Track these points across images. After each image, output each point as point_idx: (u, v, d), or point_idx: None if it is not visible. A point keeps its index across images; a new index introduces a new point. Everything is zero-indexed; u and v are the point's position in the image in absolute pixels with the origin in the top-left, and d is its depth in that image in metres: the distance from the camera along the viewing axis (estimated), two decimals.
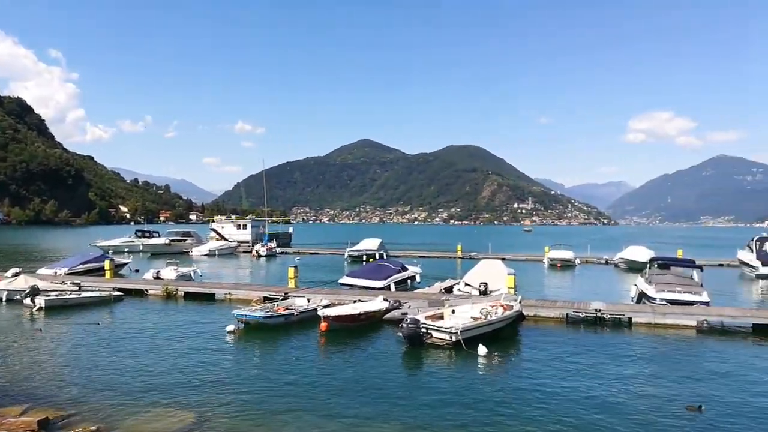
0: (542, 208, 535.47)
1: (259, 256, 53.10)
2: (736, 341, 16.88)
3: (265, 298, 22.33)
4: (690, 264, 26.96)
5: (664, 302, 21.03)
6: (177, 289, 25.29)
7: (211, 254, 55.18)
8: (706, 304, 20.79)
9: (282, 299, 21.07)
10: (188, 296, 24.87)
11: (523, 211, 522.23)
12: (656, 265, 26.15)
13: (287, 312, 18.73)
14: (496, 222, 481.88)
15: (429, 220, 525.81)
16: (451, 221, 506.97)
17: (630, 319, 18.86)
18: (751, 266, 37.60)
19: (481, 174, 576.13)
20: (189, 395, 11.25)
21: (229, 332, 17.13)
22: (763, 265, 36.04)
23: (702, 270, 25.79)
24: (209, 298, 24.60)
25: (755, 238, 39.67)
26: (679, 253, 45.53)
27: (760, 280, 34.92)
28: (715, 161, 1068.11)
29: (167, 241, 58.65)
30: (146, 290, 25.80)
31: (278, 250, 58.06)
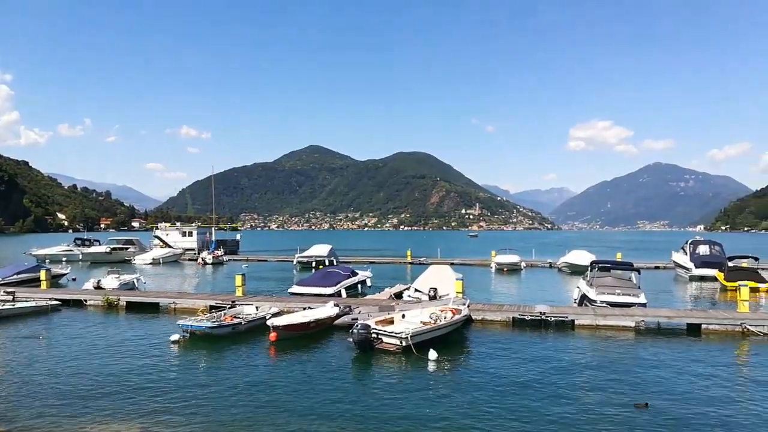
0: (489, 214, 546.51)
1: (205, 263, 51.87)
2: (671, 340, 17.71)
3: (212, 307, 21.81)
4: (628, 267, 28.14)
5: (604, 304, 21.84)
6: (119, 299, 24.35)
7: (155, 262, 53.52)
8: (644, 305, 21.73)
9: (229, 308, 20.64)
10: (131, 306, 23.98)
11: (471, 216, 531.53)
12: (597, 269, 27.12)
13: (235, 321, 18.36)
14: (444, 227, 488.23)
15: (379, 226, 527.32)
16: (401, 227, 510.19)
17: (573, 321, 19.49)
18: (685, 268, 39.55)
19: (429, 180, 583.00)
20: (132, 409, 10.87)
21: (174, 342, 16.65)
22: (696, 267, 37.97)
23: (639, 272, 27.05)
24: (153, 308, 23.82)
25: (688, 242, 41.84)
26: (619, 257, 47.49)
27: (694, 282, 36.78)
28: (650, 168, 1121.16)
29: (108, 250, 56.43)
30: (86, 300, 24.73)
31: (225, 257, 56.86)
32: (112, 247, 57.83)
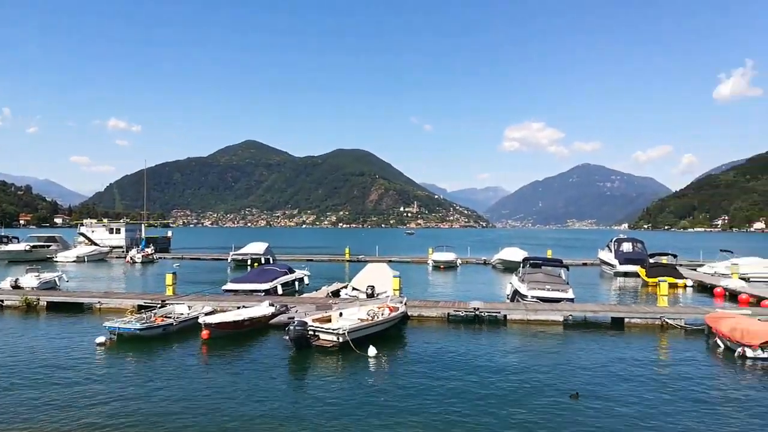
0: (427, 212, 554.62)
1: (134, 262, 49.79)
2: (597, 333, 18.53)
3: (141, 307, 20.95)
4: (558, 264, 29.28)
5: (535, 299, 22.66)
6: (38, 299, 22.93)
7: (79, 260, 50.91)
8: (571, 300, 22.71)
9: (160, 308, 19.87)
10: (52, 307, 22.62)
11: (409, 214, 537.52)
12: (528, 265, 28.05)
13: (166, 322, 17.69)
14: (383, 225, 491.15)
15: (317, 223, 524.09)
16: (340, 224, 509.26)
17: (505, 316, 20.06)
18: (610, 265, 41.56)
19: (368, 178, 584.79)
20: (54, 416, 10.22)
21: (99, 345, 15.84)
22: (620, 263, 39.97)
23: (568, 269, 28.29)
24: (76, 309, 22.58)
25: (613, 240, 44.04)
26: (549, 254, 49.24)
27: (618, 278, 38.69)
28: (579, 169, 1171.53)
29: (27, 247, 53.06)
30: (1, 301, 23.12)
31: (156, 255, 54.81)
32: (32, 244, 54.43)
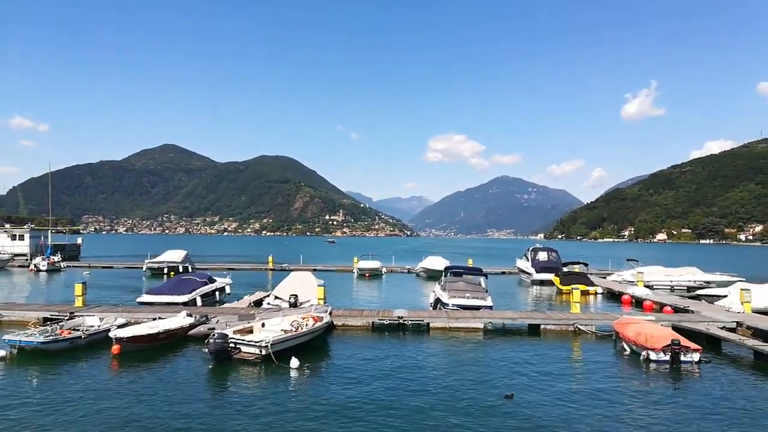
0: (352, 220, 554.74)
1: (39, 270, 46.37)
2: (515, 340, 19.21)
3: (46, 320, 19.53)
4: (478, 272, 30.15)
5: (456, 307, 23.20)
6: None
7: None
8: (490, 308, 23.44)
9: (68, 320, 18.59)
10: None
11: (335, 222, 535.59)
12: (450, 274, 28.67)
13: (73, 335, 16.55)
14: (308, 233, 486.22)
15: (240, 231, 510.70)
16: (263, 232, 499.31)
17: (428, 324, 20.38)
18: (527, 273, 43.23)
19: (293, 185, 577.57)
20: None
21: (0, 359, 14.59)
22: (537, 272, 41.66)
23: (487, 277, 29.24)
24: None
25: (530, 249, 45.84)
26: (470, 263, 50.56)
27: (534, 285, 40.30)
28: (499, 181, 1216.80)
29: None
30: None
31: (63, 263, 51.34)
32: None
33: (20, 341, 15.43)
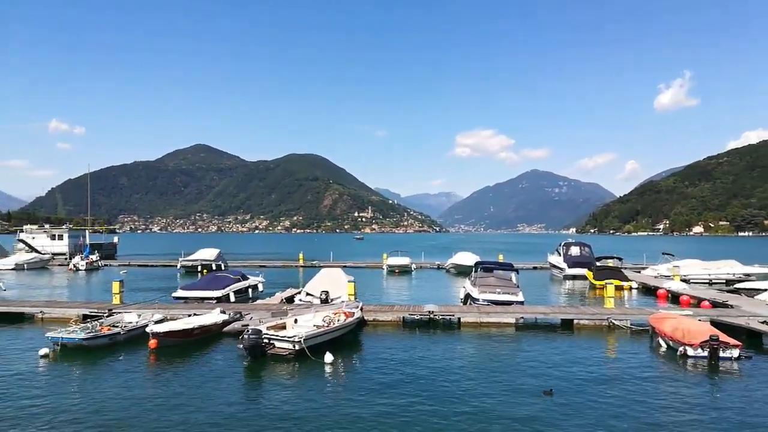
0: (381, 217, 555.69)
1: (78, 269, 47.76)
2: (548, 335, 19.00)
3: (86, 317, 20.13)
4: (509, 267, 29.86)
5: (487, 303, 23.05)
6: None
7: (18, 268, 48.50)
8: (522, 303, 23.21)
9: (107, 317, 19.14)
10: None
11: (363, 219, 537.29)
12: (481, 269, 28.49)
13: (112, 331, 17.05)
14: (337, 230, 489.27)
15: (270, 228, 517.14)
16: (294, 230, 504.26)
17: (459, 319, 20.31)
18: (559, 268, 42.64)
19: (322, 183, 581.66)
20: None
21: (43, 357, 15.10)
22: (569, 267, 41.05)
23: (519, 272, 28.98)
24: (16, 319, 21.48)
25: (562, 244, 45.20)
26: (500, 258, 50.17)
27: (567, 281, 39.73)
28: (529, 175, 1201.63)
29: None
30: None
31: (101, 262, 52.82)
32: None
33: (62, 338, 15.95)
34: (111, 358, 15.32)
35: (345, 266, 43.71)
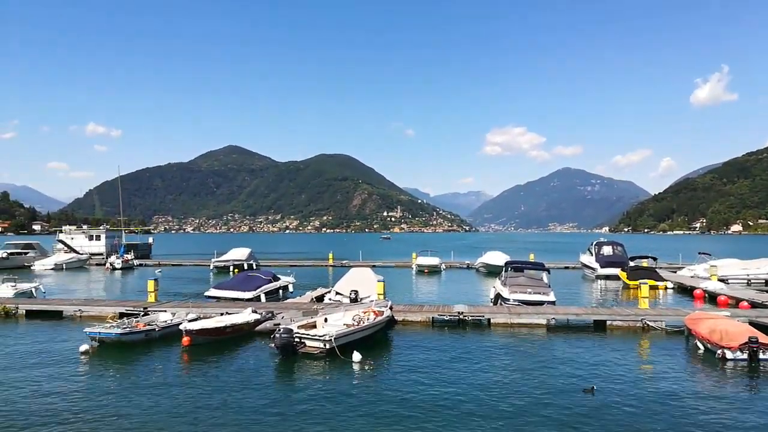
0: (410, 216, 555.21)
1: (114, 269, 49.06)
2: (580, 336, 18.70)
3: (122, 314, 20.66)
4: (540, 267, 29.50)
5: (517, 303, 22.81)
6: (17, 308, 22.52)
7: (57, 268, 50.03)
8: (553, 303, 22.91)
9: (143, 315, 19.62)
10: (31, 315, 22.26)
11: (393, 219, 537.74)
12: (511, 269, 28.21)
13: (148, 328, 17.49)
14: (367, 230, 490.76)
15: (300, 228, 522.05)
16: (323, 229, 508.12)
17: (489, 320, 20.17)
18: (591, 268, 41.94)
19: (351, 183, 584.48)
20: (41, 428, 10.00)
21: (83, 354, 15.57)
22: (601, 267, 40.35)
23: (550, 272, 28.56)
24: (56, 316, 22.21)
25: (594, 243, 44.43)
26: (531, 257, 49.55)
27: (599, 281, 39.05)
28: (560, 173, 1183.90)
29: (4, 255, 52.10)
30: None
31: (136, 262, 54.16)
32: (9, 252, 53.49)
33: (100, 333, 16.44)
34: (146, 354, 15.73)
35: (374, 266, 43.84)
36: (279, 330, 15.25)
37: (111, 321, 19.32)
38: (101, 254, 60.34)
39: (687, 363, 14.96)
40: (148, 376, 13.47)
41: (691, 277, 35.14)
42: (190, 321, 18.33)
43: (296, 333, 15.60)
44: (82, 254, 56.88)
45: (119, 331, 16.65)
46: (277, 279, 29.09)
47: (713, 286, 28.58)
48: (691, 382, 13.01)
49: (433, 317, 20.52)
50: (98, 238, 64.24)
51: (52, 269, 49.61)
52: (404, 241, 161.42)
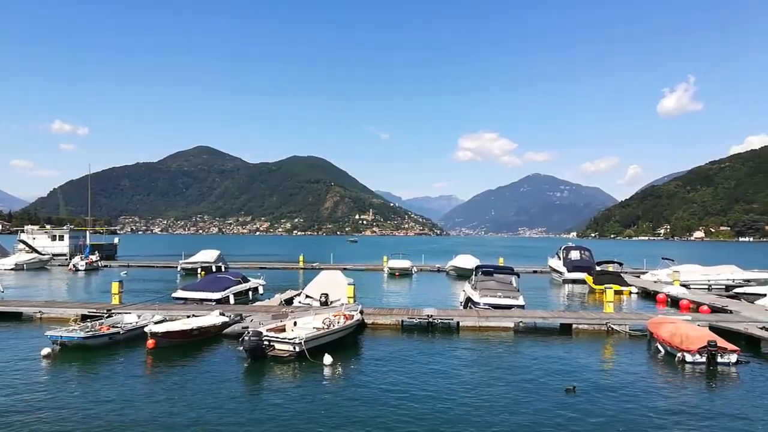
0: (382, 220, 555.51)
1: (77, 270, 47.79)
2: (547, 339, 19.00)
3: (85, 317, 20.16)
4: (509, 271, 29.83)
5: (487, 306, 23.06)
6: None
7: (17, 268, 48.54)
8: (522, 307, 23.24)
9: (107, 317, 19.18)
10: None
11: (364, 222, 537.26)
12: (481, 273, 28.47)
13: (112, 331, 17.09)
14: (338, 233, 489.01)
15: (271, 230, 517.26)
16: (294, 232, 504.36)
17: (458, 323, 20.32)
18: (559, 272, 42.64)
19: (324, 185, 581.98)
20: None
21: (45, 357, 15.12)
22: (569, 271, 41.05)
23: (519, 276, 28.92)
24: (15, 318, 21.57)
25: (562, 248, 45.19)
26: (501, 261, 50.12)
27: (566, 285, 39.72)
28: (530, 179, 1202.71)
29: None
30: None
31: (101, 263, 52.87)
32: None
33: (62, 337, 15.99)
34: (110, 358, 15.35)
35: (345, 269, 43.74)
36: (248, 333, 15.08)
37: (73, 323, 18.82)
38: (64, 255, 58.77)
39: (648, 365, 15.34)
40: (112, 381, 13.17)
41: (655, 281, 35.99)
42: (155, 323, 17.98)
43: (265, 336, 15.46)
44: (43, 255, 55.32)
45: (82, 334, 16.23)
46: (246, 281, 28.84)
47: (675, 290, 29.35)
48: (652, 384, 13.33)
49: (402, 321, 20.59)
50: (61, 238, 62.56)
51: (12, 269, 48.10)
52: (375, 245, 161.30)
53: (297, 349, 15.11)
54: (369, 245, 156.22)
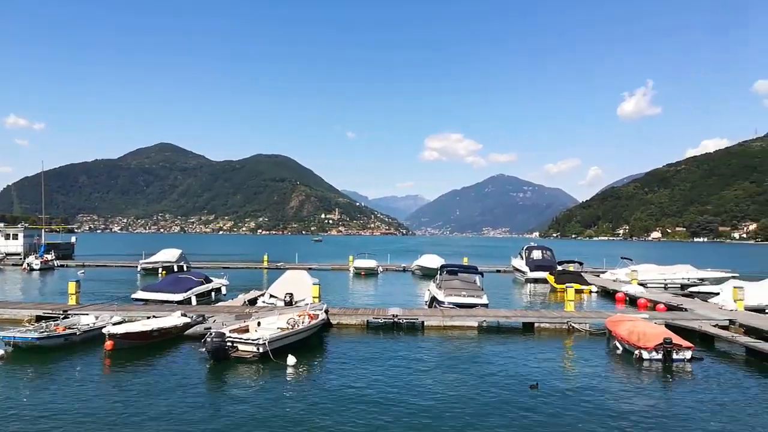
0: (348, 219, 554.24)
1: (32, 269, 46.18)
2: (510, 338, 19.29)
3: (39, 317, 19.49)
4: (473, 270, 30.20)
5: (451, 305, 23.27)
6: None
7: None
8: (486, 306, 23.53)
9: (63, 318, 18.57)
10: None
11: (330, 221, 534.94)
12: (446, 272, 28.72)
13: (68, 332, 16.56)
14: (304, 232, 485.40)
15: (235, 230, 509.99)
16: (259, 231, 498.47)
17: (423, 322, 20.45)
18: (522, 271, 43.35)
19: (289, 184, 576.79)
20: None
21: None
22: (531, 270, 41.75)
23: (483, 276, 29.29)
24: None
25: (525, 248, 45.95)
26: (465, 261, 50.59)
27: (529, 284, 40.40)
28: (494, 179, 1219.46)
29: None
30: None
31: (57, 262, 51.19)
32: None
33: (15, 338, 15.41)
34: (66, 359, 14.88)
35: (310, 268, 43.52)
36: (210, 334, 14.83)
37: (27, 324, 18.17)
38: (18, 254, 56.69)
39: (607, 362, 15.74)
40: (68, 383, 12.76)
41: (614, 281, 36.93)
42: (114, 324, 17.50)
43: (228, 337, 15.22)
44: None
45: (36, 335, 15.67)
46: (209, 281, 28.35)
47: (633, 289, 30.18)
48: (610, 380, 13.69)
49: (368, 320, 20.61)
50: (15, 237, 60.29)
51: None
52: (341, 244, 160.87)
53: (261, 350, 14.93)
54: (335, 245, 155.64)
